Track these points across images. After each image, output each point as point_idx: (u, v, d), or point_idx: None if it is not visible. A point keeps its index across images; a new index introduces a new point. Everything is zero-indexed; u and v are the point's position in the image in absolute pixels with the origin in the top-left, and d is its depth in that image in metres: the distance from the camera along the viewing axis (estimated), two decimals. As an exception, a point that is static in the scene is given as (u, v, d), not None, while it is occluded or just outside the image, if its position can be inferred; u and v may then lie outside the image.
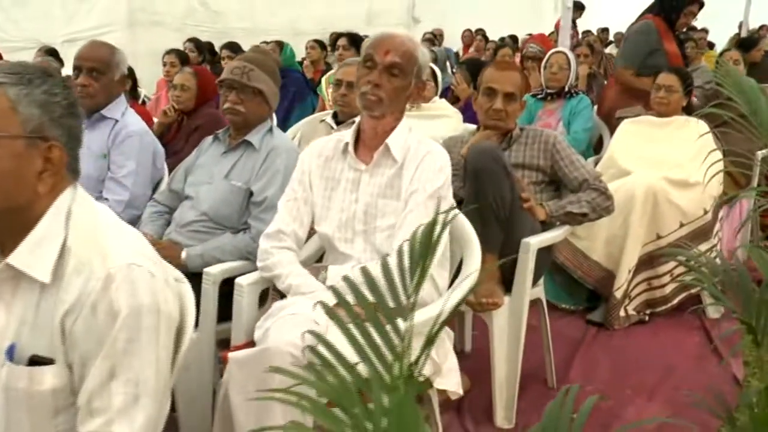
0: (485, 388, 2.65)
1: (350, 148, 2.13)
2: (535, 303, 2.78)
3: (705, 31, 10.59)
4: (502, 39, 10.13)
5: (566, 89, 4.29)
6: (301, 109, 5.17)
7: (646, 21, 4.69)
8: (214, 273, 2.29)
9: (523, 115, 4.35)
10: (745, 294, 2.01)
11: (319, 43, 6.84)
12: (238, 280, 2.19)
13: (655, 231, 3.53)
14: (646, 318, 3.54)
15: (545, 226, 2.76)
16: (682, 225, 3.51)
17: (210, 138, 2.67)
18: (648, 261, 3.55)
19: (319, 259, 2.33)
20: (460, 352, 3.17)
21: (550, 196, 2.86)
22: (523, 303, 2.61)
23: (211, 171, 2.55)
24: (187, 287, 1.48)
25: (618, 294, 3.47)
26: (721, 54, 4.73)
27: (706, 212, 3.54)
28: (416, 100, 2.16)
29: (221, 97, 2.54)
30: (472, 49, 9.91)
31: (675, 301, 3.56)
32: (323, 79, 5.27)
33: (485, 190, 2.51)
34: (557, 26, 9.76)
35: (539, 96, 4.38)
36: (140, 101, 5.20)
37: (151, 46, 6.97)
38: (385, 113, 2.06)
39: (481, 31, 10.83)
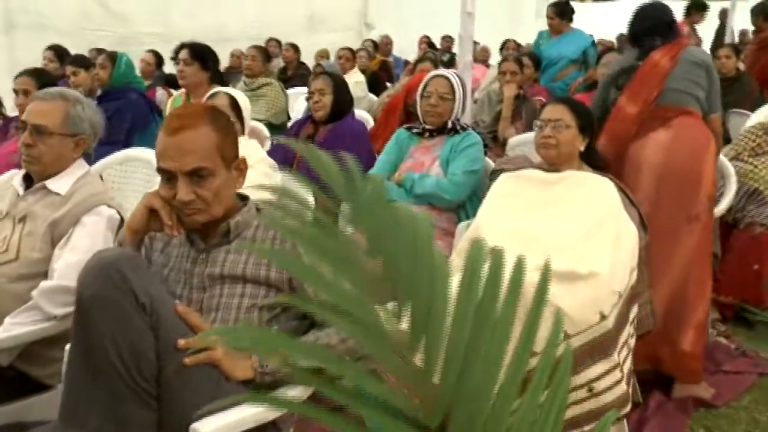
0: None
1: None
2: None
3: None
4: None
5: (449, 125, 3.16)
6: (141, 139, 3.97)
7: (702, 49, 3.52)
8: None
9: (393, 150, 3.25)
10: None
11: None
12: None
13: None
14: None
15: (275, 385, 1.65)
16: (567, 336, 2.37)
17: None
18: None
19: None
20: None
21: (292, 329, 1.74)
22: None
23: None
24: None
25: None
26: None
27: (603, 317, 2.38)
28: None
29: None
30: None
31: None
32: (169, 102, 4.16)
33: (100, 333, 1.44)
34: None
35: (414, 131, 3.25)
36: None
37: (38, 54, 5.91)
38: None
39: (447, 38, 9.75)
